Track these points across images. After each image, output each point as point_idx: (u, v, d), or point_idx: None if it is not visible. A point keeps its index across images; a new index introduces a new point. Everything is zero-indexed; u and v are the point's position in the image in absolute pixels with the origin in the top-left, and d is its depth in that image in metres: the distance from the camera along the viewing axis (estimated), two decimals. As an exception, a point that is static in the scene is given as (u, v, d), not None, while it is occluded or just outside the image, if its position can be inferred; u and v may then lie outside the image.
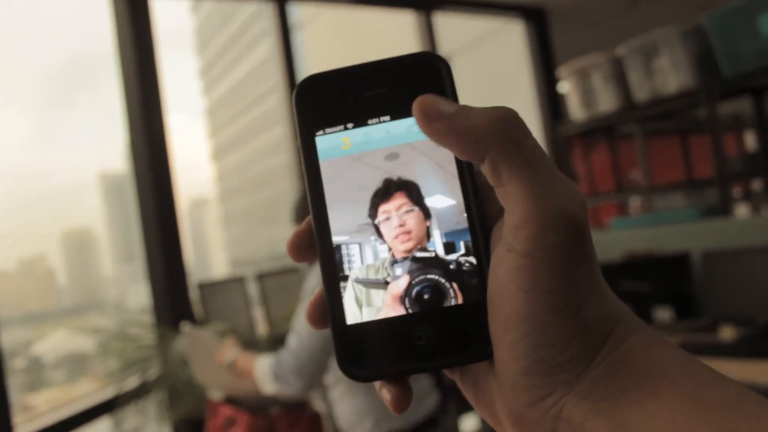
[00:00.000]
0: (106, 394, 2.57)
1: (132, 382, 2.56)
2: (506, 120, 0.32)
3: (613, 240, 3.26)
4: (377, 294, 0.35)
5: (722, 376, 0.29)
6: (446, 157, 0.36)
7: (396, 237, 0.36)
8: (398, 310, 0.35)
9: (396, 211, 0.36)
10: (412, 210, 0.36)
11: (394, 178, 0.37)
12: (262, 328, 3.16)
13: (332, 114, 0.38)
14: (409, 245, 0.36)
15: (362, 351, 0.35)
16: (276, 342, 2.76)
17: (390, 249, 0.36)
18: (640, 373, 0.30)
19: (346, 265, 0.36)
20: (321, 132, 0.37)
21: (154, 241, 2.88)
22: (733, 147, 5.22)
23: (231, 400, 2.21)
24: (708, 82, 3.13)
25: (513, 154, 0.32)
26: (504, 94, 5.21)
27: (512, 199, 0.31)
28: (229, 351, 2.11)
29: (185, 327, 2.32)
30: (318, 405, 2.19)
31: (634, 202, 4.67)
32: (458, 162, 0.36)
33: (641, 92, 3.43)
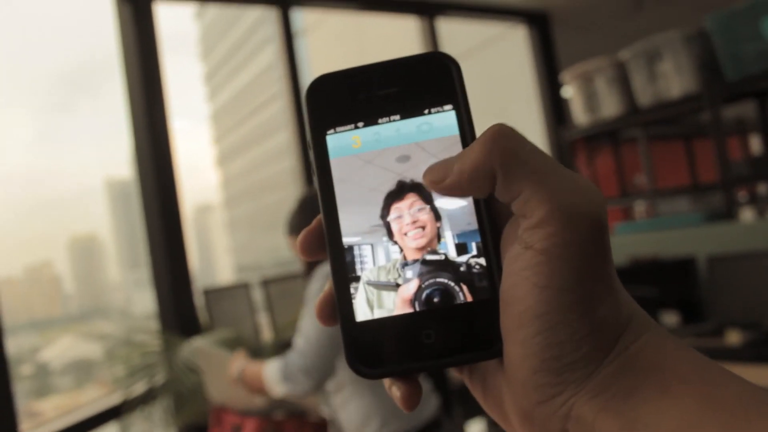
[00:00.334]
0: (113, 400, 2.57)
1: (138, 389, 2.56)
2: (499, 137, 0.33)
3: (618, 245, 3.25)
4: (388, 296, 0.36)
5: (734, 375, 0.29)
6: None
7: (408, 234, 0.36)
8: (409, 311, 0.35)
9: (408, 209, 0.37)
10: (423, 208, 0.37)
11: (407, 179, 0.37)
12: (267, 334, 3.16)
13: (343, 113, 0.38)
14: (422, 242, 0.36)
15: (371, 349, 0.35)
16: (281, 348, 2.76)
17: (401, 250, 0.36)
18: (651, 372, 0.30)
19: (358, 266, 0.36)
20: (332, 131, 0.38)
21: (160, 248, 2.89)
22: (738, 151, 5.21)
23: (235, 407, 2.21)
24: (711, 86, 3.13)
25: (517, 165, 0.32)
26: (507, 99, 5.21)
27: (529, 205, 0.31)
28: (237, 363, 2.11)
29: (196, 342, 2.32)
30: (323, 411, 2.19)
31: (639, 207, 4.66)
32: None
33: (645, 96, 3.42)
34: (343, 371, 2.02)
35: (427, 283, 0.35)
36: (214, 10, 29.55)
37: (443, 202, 0.37)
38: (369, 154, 0.38)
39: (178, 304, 2.89)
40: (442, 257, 0.36)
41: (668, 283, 2.91)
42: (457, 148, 0.36)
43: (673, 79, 3.26)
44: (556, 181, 0.32)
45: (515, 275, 0.32)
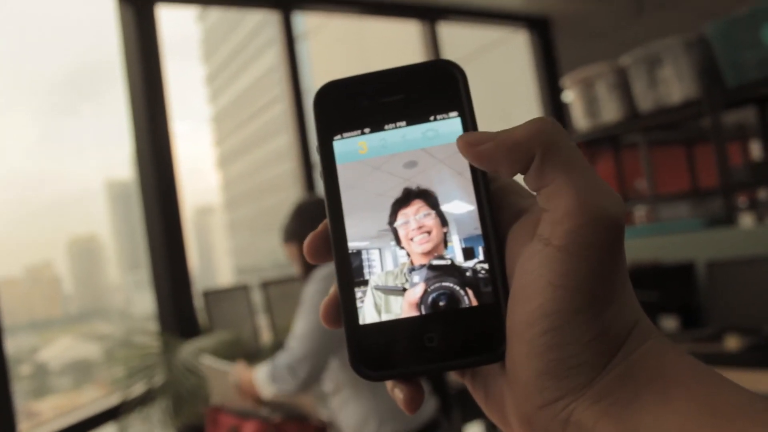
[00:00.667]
0: (111, 401, 2.57)
1: (137, 390, 2.56)
2: (548, 125, 0.33)
3: (618, 249, 3.24)
4: (396, 300, 0.36)
5: (734, 384, 0.29)
6: (462, 164, 0.37)
7: (414, 239, 0.37)
8: (415, 315, 0.36)
9: (414, 215, 0.37)
10: (429, 213, 0.37)
11: (413, 186, 0.37)
12: (266, 336, 3.16)
13: (350, 119, 0.39)
14: (428, 247, 0.37)
15: (374, 351, 0.36)
16: (279, 349, 2.77)
17: (409, 255, 0.37)
18: (652, 379, 0.30)
19: (365, 270, 0.37)
20: (339, 136, 0.39)
21: (159, 249, 2.89)
22: (738, 156, 5.21)
23: (232, 408, 2.21)
24: (712, 92, 3.13)
25: (557, 154, 0.33)
26: (508, 103, 5.22)
27: (555, 197, 0.32)
28: (236, 372, 2.13)
29: (204, 360, 2.33)
30: (321, 414, 2.19)
31: (639, 212, 4.65)
32: (472, 168, 0.37)
33: (645, 102, 3.43)
34: (342, 373, 2.03)
35: (433, 287, 0.36)
36: (215, 13, 29.58)
37: (450, 207, 0.37)
38: (376, 159, 0.38)
39: (178, 305, 2.89)
40: (449, 262, 0.36)
41: (668, 288, 2.91)
42: (461, 155, 0.36)
43: (674, 84, 3.27)
44: (587, 181, 0.32)
45: (530, 273, 0.32)
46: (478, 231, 0.36)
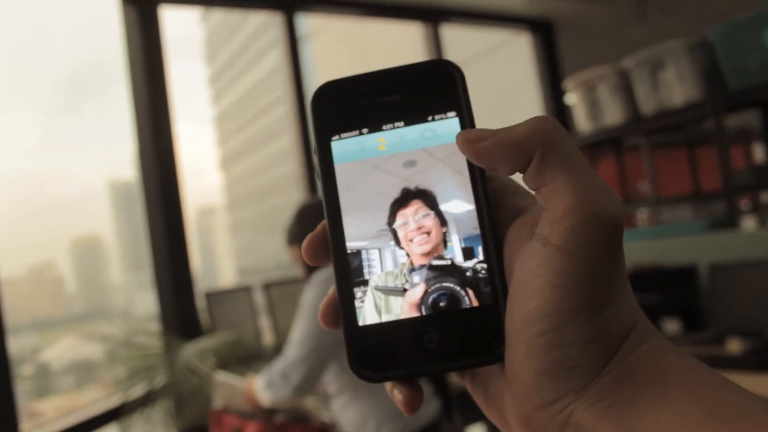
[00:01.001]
0: (113, 401, 2.58)
1: (139, 390, 2.57)
2: (548, 123, 0.33)
3: (620, 252, 3.23)
4: (396, 301, 0.36)
5: (733, 384, 0.29)
6: (461, 164, 0.37)
7: (413, 240, 0.37)
8: (414, 316, 0.36)
9: (413, 215, 0.37)
10: (428, 214, 0.37)
11: (412, 186, 0.37)
12: (268, 338, 3.16)
13: (348, 119, 0.39)
14: (427, 248, 0.37)
15: (373, 352, 0.36)
16: (281, 351, 2.77)
17: (408, 255, 0.37)
18: (651, 381, 0.30)
19: (365, 270, 0.37)
20: (336, 137, 0.39)
21: (162, 250, 2.89)
22: (741, 159, 5.20)
23: (235, 409, 2.21)
24: (714, 95, 3.13)
25: (557, 153, 0.33)
26: (511, 105, 5.22)
27: (555, 196, 0.32)
28: (244, 385, 2.14)
29: (217, 377, 2.33)
30: (323, 415, 2.20)
31: (641, 215, 4.65)
32: (471, 167, 0.37)
33: (648, 105, 3.43)
34: (343, 375, 2.03)
35: (433, 287, 0.36)
36: (219, 14, 29.61)
37: (449, 206, 0.37)
38: (374, 159, 0.38)
39: (180, 306, 2.89)
40: (449, 262, 0.36)
41: (670, 290, 2.91)
42: (460, 155, 0.36)
43: (676, 87, 3.26)
44: (586, 180, 0.32)
45: (529, 272, 0.32)
46: (477, 231, 0.36)
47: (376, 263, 0.37)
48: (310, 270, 2.10)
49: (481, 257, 0.36)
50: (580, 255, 0.30)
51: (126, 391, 2.56)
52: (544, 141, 0.33)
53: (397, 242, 0.37)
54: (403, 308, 0.36)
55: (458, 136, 0.35)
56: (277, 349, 2.88)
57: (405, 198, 0.37)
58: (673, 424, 0.28)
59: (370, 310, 0.36)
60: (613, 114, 3.61)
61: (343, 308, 0.36)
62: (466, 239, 0.36)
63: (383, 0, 4.13)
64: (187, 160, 3.13)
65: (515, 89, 5.19)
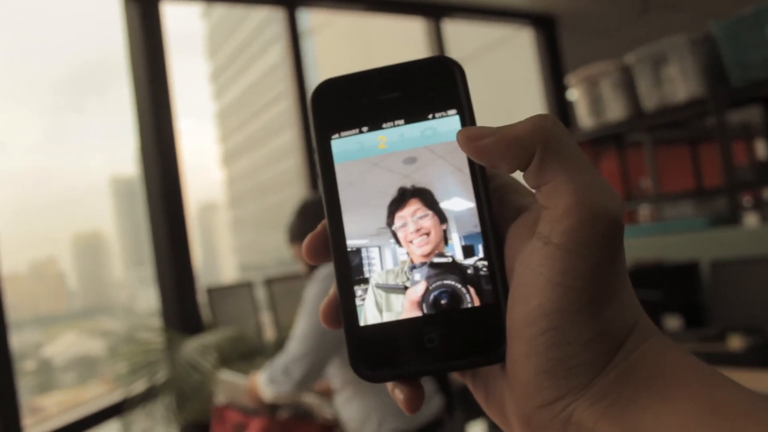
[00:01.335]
0: (115, 397, 2.58)
1: (140, 386, 2.57)
2: (549, 121, 0.33)
3: (622, 248, 3.23)
4: (397, 299, 0.36)
5: (734, 383, 0.29)
6: (461, 162, 0.37)
7: (413, 241, 0.37)
8: (414, 314, 0.36)
9: (411, 216, 0.37)
10: (426, 215, 0.37)
11: (408, 185, 0.37)
12: (269, 333, 3.16)
13: (347, 117, 0.38)
14: (427, 249, 0.36)
15: (374, 352, 0.35)
16: (283, 347, 2.77)
17: (408, 253, 0.37)
18: (651, 379, 0.30)
19: (365, 268, 0.37)
20: (336, 135, 0.38)
21: (164, 246, 2.89)
22: (743, 155, 5.20)
23: (238, 405, 2.22)
24: (717, 91, 3.13)
25: (558, 151, 0.32)
26: (513, 101, 5.21)
27: (555, 194, 0.32)
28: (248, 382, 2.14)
29: (222, 376, 2.34)
30: (328, 411, 2.20)
31: (643, 211, 4.65)
32: (471, 165, 0.37)
33: (650, 100, 3.42)
34: (347, 370, 2.03)
35: (434, 285, 0.36)
36: (220, 10, 29.58)
37: (449, 204, 0.37)
38: (374, 158, 0.38)
39: (182, 302, 2.89)
40: (449, 260, 0.36)
41: (671, 287, 2.90)
42: (461, 153, 0.36)
43: (679, 83, 3.26)
44: (587, 179, 0.32)
45: (530, 271, 0.32)
46: (478, 229, 0.36)
47: (376, 261, 0.37)
48: (313, 266, 2.10)
49: (481, 255, 0.36)
50: (581, 254, 0.30)
51: (128, 387, 2.56)
52: (544, 139, 0.33)
53: (397, 241, 0.37)
54: (404, 306, 0.36)
55: (459, 133, 0.35)
56: (279, 345, 2.88)
57: (402, 198, 0.37)
58: (673, 422, 0.28)
59: (371, 309, 0.36)
60: (615, 110, 3.61)
61: (343, 307, 0.36)
62: (466, 237, 0.36)
63: (385, -5, 4.13)
64: (188, 156, 3.13)
65: (517, 85, 5.19)
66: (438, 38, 4.29)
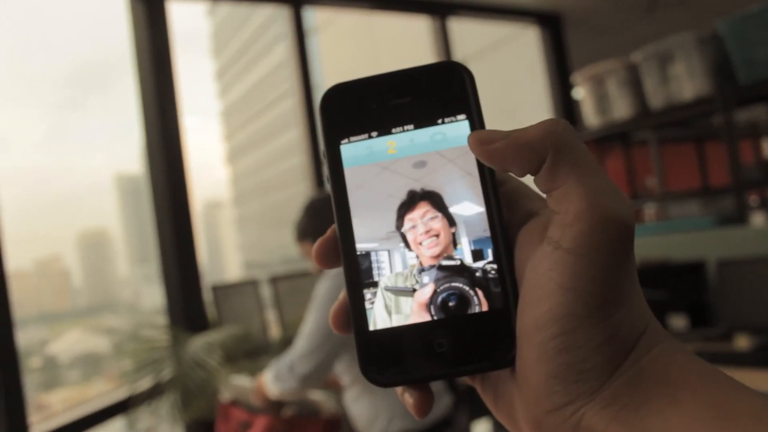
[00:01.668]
0: (120, 394, 2.59)
1: (145, 383, 2.57)
2: (560, 125, 0.33)
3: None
4: (406, 302, 0.36)
5: (744, 387, 0.29)
6: (471, 166, 0.37)
7: (422, 243, 0.37)
8: (423, 318, 0.36)
9: (421, 218, 0.37)
10: (436, 216, 0.37)
11: (418, 189, 0.37)
12: (275, 331, 3.17)
13: (357, 122, 0.38)
14: (437, 250, 0.36)
15: (384, 356, 0.36)
16: (288, 345, 2.77)
17: (418, 257, 0.37)
18: (661, 384, 0.30)
19: (375, 272, 0.37)
20: (346, 140, 0.38)
21: (169, 243, 2.90)
22: (750, 154, 5.19)
23: (243, 403, 2.22)
24: (724, 89, 3.11)
25: (569, 156, 0.33)
26: (519, 99, 5.20)
27: (567, 198, 0.32)
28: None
29: (232, 381, 2.34)
30: (335, 407, 2.20)
31: (649, 210, 4.64)
32: (481, 170, 0.37)
33: (656, 99, 3.41)
34: (356, 367, 2.03)
35: (442, 287, 0.36)
36: (226, 8, 29.62)
37: (459, 208, 0.37)
38: (383, 163, 0.38)
39: (187, 299, 2.90)
40: (458, 262, 0.36)
41: (677, 286, 2.90)
42: (470, 157, 0.36)
43: (686, 81, 3.25)
44: (598, 183, 0.32)
45: (540, 276, 0.32)
46: (488, 233, 0.36)
47: (385, 265, 0.37)
48: None
49: (491, 258, 0.36)
50: (591, 258, 0.31)
51: (133, 384, 2.57)
52: (556, 143, 0.33)
53: (407, 244, 0.37)
54: (412, 308, 0.36)
55: (470, 137, 0.35)
56: (284, 343, 2.89)
57: (412, 201, 0.37)
58: (683, 426, 0.28)
59: (380, 312, 0.36)
60: (621, 108, 3.60)
61: (353, 312, 0.36)
62: (476, 241, 0.36)
63: (391, -7, 4.13)
64: (193, 154, 3.14)
65: (523, 83, 5.18)
66: (443, 37, 4.29)
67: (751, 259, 2.69)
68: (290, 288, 3.18)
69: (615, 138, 4.14)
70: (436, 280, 0.36)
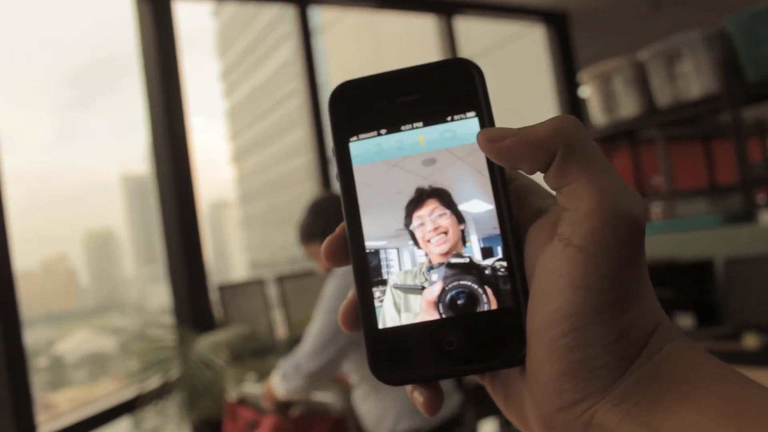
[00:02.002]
0: (127, 394, 2.59)
1: (152, 383, 2.58)
2: (570, 122, 0.33)
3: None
4: (415, 300, 0.36)
5: (757, 384, 0.29)
6: (480, 164, 0.37)
7: (431, 240, 0.37)
8: (432, 316, 0.35)
9: (429, 215, 0.37)
10: (444, 213, 0.37)
11: (426, 186, 0.37)
12: (281, 331, 3.17)
13: (366, 120, 0.38)
14: (445, 247, 0.36)
15: (393, 355, 0.35)
16: (295, 344, 2.77)
17: (427, 254, 0.37)
18: (674, 381, 0.30)
19: (384, 270, 0.37)
20: (355, 138, 0.38)
21: (175, 243, 2.90)
22: (758, 152, 5.17)
23: (251, 402, 2.22)
24: (732, 87, 3.10)
25: (579, 153, 0.32)
26: (525, 98, 5.19)
27: (577, 196, 0.32)
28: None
29: (244, 388, 2.35)
30: (343, 406, 2.20)
31: (656, 208, 4.63)
32: (490, 167, 0.36)
33: (663, 97, 3.40)
34: (365, 365, 2.03)
35: (450, 285, 0.36)
36: (231, 8, 29.67)
37: (468, 206, 0.37)
38: (392, 161, 0.38)
39: (193, 299, 2.90)
40: (467, 260, 0.36)
41: (685, 285, 2.89)
42: (480, 155, 0.36)
43: (693, 79, 3.23)
44: (609, 180, 0.32)
45: (550, 273, 0.32)
46: (497, 230, 0.36)
47: (395, 263, 0.37)
48: None
49: (500, 256, 0.35)
50: (603, 256, 0.30)
51: (140, 384, 2.57)
52: (566, 140, 0.33)
53: (416, 242, 0.37)
54: (421, 306, 0.36)
55: (479, 134, 0.35)
56: (290, 342, 2.89)
57: (420, 198, 0.37)
58: (698, 424, 0.28)
59: (389, 310, 0.36)
60: (628, 106, 3.59)
61: (362, 310, 0.36)
62: (485, 239, 0.36)
63: (396, -8, 4.12)
64: (199, 154, 3.14)
65: (529, 82, 5.17)
66: (449, 35, 4.28)
67: (759, 257, 2.68)
68: (297, 287, 3.19)
69: (622, 136, 4.13)
70: (445, 278, 0.36)
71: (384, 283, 0.36)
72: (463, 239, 0.36)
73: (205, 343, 2.63)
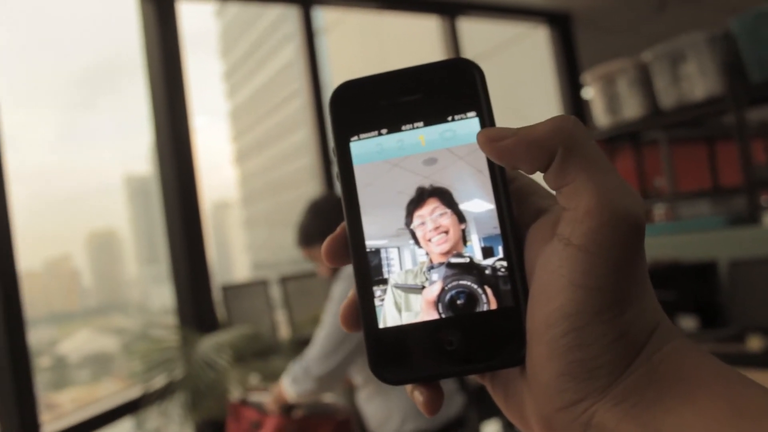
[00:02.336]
0: (130, 394, 2.59)
1: (155, 383, 2.58)
2: (570, 122, 0.33)
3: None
4: (415, 299, 0.36)
5: (757, 385, 0.29)
6: (481, 163, 0.37)
7: (431, 240, 0.37)
8: (432, 316, 0.35)
9: (430, 215, 0.37)
10: (445, 212, 0.37)
11: (427, 185, 0.37)
12: (284, 332, 3.17)
13: (367, 120, 0.38)
14: (446, 247, 0.36)
15: (393, 355, 0.36)
16: (298, 345, 2.77)
17: (427, 254, 0.37)
18: (674, 381, 0.30)
19: (384, 269, 0.37)
20: (355, 137, 0.38)
21: (179, 243, 2.90)
22: (762, 154, 5.15)
23: (254, 403, 2.22)
24: (736, 89, 3.10)
25: (579, 152, 0.32)
26: (528, 99, 5.19)
27: (576, 195, 0.32)
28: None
29: (252, 397, 2.34)
30: (347, 407, 2.20)
31: (659, 210, 4.62)
32: (491, 167, 0.36)
33: (667, 98, 3.39)
34: (367, 369, 2.03)
35: (450, 285, 0.36)
36: (234, 8, 29.68)
37: (469, 206, 0.37)
38: (393, 160, 0.38)
39: (196, 300, 2.90)
40: (467, 260, 0.36)
41: (688, 287, 2.88)
42: (480, 154, 0.36)
43: (697, 80, 3.23)
44: (609, 180, 0.32)
45: (550, 273, 0.32)
46: (497, 230, 0.36)
47: (395, 262, 0.37)
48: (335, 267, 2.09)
49: (501, 256, 0.36)
50: (602, 255, 0.31)
51: (143, 384, 2.57)
52: (565, 140, 0.33)
53: (416, 241, 0.37)
54: (421, 306, 0.36)
55: (479, 134, 0.35)
56: (294, 343, 2.89)
57: (420, 197, 0.37)
58: (698, 424, 0.28)
59: (390, 309, 0.36)
60: (631, 108, 3.58)
61: (363, 310, 0.36)
62: (486, 239, 0.36)
63: (400, -7, 4.12)
64: (202, 154, 3.14)
65: (532, 83, 5.16)
66: (453, 36, 4.28)
67: (763, 259, 2.67)
68: (300, 288, 3.19)
69: (625, 138, 4.12)
70: (445, 278, 0.36)
71: (385, 282, 0.36)
72: (464, 239, 0.36)
73: (208, 344, 2.63)
